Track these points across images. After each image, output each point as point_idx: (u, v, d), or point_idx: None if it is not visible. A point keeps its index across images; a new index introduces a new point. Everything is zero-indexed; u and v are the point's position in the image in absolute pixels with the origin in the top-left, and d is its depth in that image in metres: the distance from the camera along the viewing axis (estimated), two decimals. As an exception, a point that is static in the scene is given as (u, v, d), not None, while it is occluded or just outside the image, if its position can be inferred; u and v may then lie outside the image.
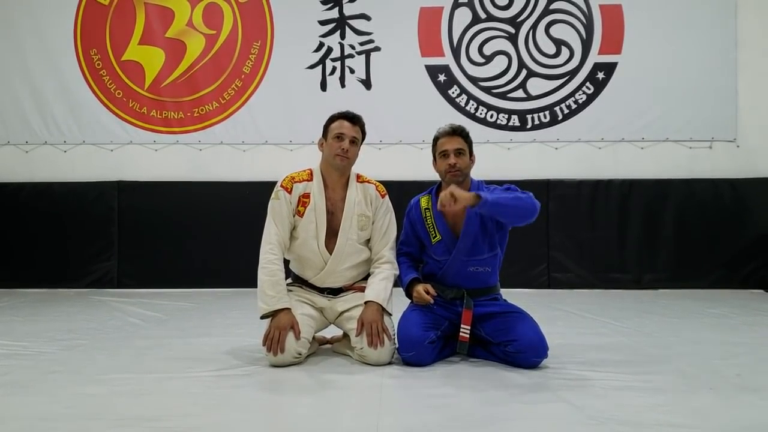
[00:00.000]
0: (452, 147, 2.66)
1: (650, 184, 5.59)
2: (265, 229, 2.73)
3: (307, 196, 2.73)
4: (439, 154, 2.71)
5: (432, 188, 2.82)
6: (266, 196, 2.76)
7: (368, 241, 2.82)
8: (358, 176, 2.83)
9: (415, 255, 2.86)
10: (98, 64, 5.87)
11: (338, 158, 2.69)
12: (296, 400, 2.16)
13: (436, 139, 2.73)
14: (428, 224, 2.74)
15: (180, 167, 5.83)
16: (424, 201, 2.80)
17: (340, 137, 2.69)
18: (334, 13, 5.83)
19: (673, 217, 5.55)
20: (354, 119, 2.75)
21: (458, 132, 2.69)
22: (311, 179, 2.75)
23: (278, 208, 2.71)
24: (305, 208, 2.72)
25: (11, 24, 5.89)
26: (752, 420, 1.88)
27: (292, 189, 2.72)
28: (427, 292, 2.63)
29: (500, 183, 2.82)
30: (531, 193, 2.56)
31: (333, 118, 2.76)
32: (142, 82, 5.86)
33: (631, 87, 5.69)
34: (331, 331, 2.95)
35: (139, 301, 4.69)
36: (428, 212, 2.75)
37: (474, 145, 2.76)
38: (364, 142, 2.83)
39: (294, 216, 2.73)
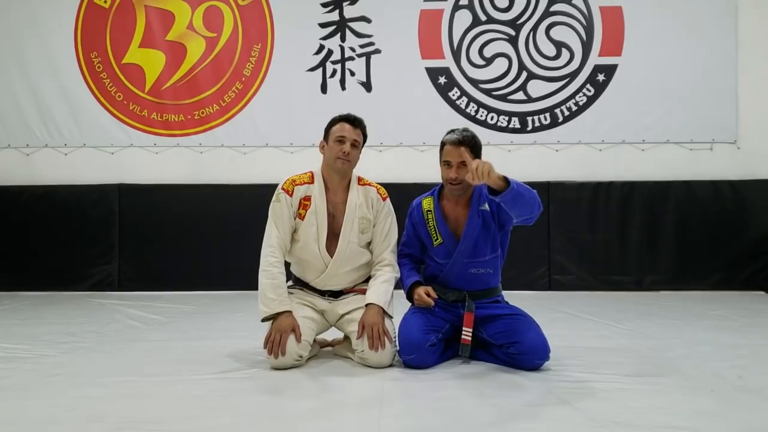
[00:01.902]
0: (456, 159, 2.58)
1: (651, 186, 5.59)
2: (266, 231, 2.73)
3: (308, 198, 2.72)
4: (442, 162, 2.65)
5: (434, 189, 2.79)
6: (267, 199, 2.77)
7: (369, 244, 2.82)
8: (360, 179, 2.83)
9: (416, 256, 2.85)
10: (99, 67, 5.88)
11: (339, 161, 2.69)
12: (297, 403, 2.15)
13: (443, 145, 2.66)
14: (430, 227, 2.72)
15: (181, 170, 5.83)
16: (426, 203, 2.77)
17: (341, 140, 2.69)
18: (335, 16, 5.83)
19: (673, 219, 5.55)
20: (355, 122, 2.74)
21: (465, 142, 2.58)
22: (312, 182, 2.75)
23: (279, 210, 2.71)
24: (306, 210, 2.71)
25: (12, 27, 5.89)
26: (754, 422, 1.88)
27: (293, 191, 2.72)
28: (428, 295, 2.63)
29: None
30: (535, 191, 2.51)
31: (334, 121, 2.75)
32: (143, 84, 5.87)
33: (632, 89, 5.69)
34: (332, 334, 2.95)
35: (139, 304, 4.69)
36: (430, 214, 2.73)
37: (476, 148, 2.72)
38: (365, 145, 2.83)
39: (295, 219, 2.73)
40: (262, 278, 2.64)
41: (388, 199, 2.84)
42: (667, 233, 5.55)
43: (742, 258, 5.47)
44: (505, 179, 2.32)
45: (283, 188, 2.74)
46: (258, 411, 2.05)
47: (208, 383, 2.34)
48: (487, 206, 2.65)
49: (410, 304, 2.77)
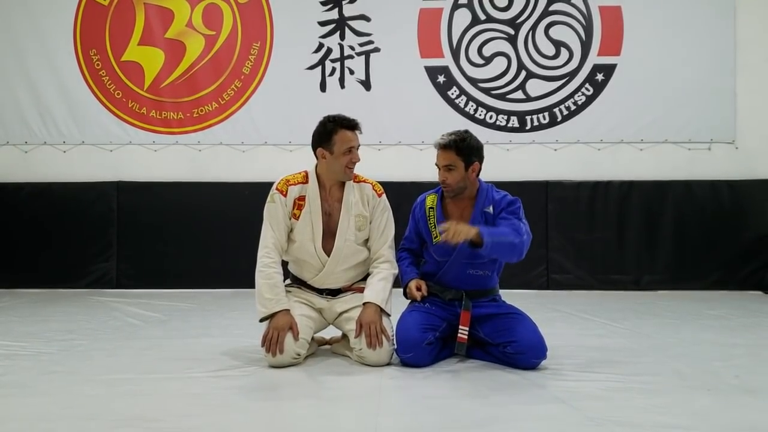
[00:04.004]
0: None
1: (649, 186, 5.60)
2: (261, 232, 2.73)
3: (302, 198, 2.71)
4: (436, 164, 2.69)
5: (439, 187, 2.79)
6: (265, 197, 2.75)
7: (366, 241, 2.82)
8: (355, 176, 2.80)
9: (416, 251, 2.86)
10: (98, 65, 5.87)
11: (349, 170, 2.68)
12: (295, 401, 2.16)
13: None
14: (431, 224, 2.73)
15: (179, 168, 5.83)
16: (429, 200, 2.78)
17: (351, 151, 2.67)
18: (334, 14, 5.83)
19: (672, 218, 5.56)
20: (357, 126, 2.70)
21: (450, 146, 2.61)
22: (306, 182, 2.73)
23: (274, 211, 2.70)
24: (301, 210, 2.70)
25: (11, 24, 5.88)
26: (751, 421, 1.89)
27: (287, 192, 2.70)
28: (419, 289, 2.64)
29: (499, 184, 2.82)
30: (526, 229, 2.55)
31: (332, 129, 2.66)
32: (142, 82, 5.86)
33: (631, 88, 5.69)
34: (330, 332, 2.95)
35: (137, 302, 4.69)
36: (432, 212, 2.74)
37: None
38: (361, 143, 2.81)
39: (290, 219, 2.72)
40: (259, 279, 2.64)
41: (383, 195, 2.82)
42: (665, 233, 5.56)
43: (739, 258, 5.48)
44: (479, 235, 2.40)
45: (277, 188, 2.72)
46: (256, 409, 2.05)
47: (206, 381, 2.35)
48: (491, 209, 2.66)
49: (408, 302, 2.78)
